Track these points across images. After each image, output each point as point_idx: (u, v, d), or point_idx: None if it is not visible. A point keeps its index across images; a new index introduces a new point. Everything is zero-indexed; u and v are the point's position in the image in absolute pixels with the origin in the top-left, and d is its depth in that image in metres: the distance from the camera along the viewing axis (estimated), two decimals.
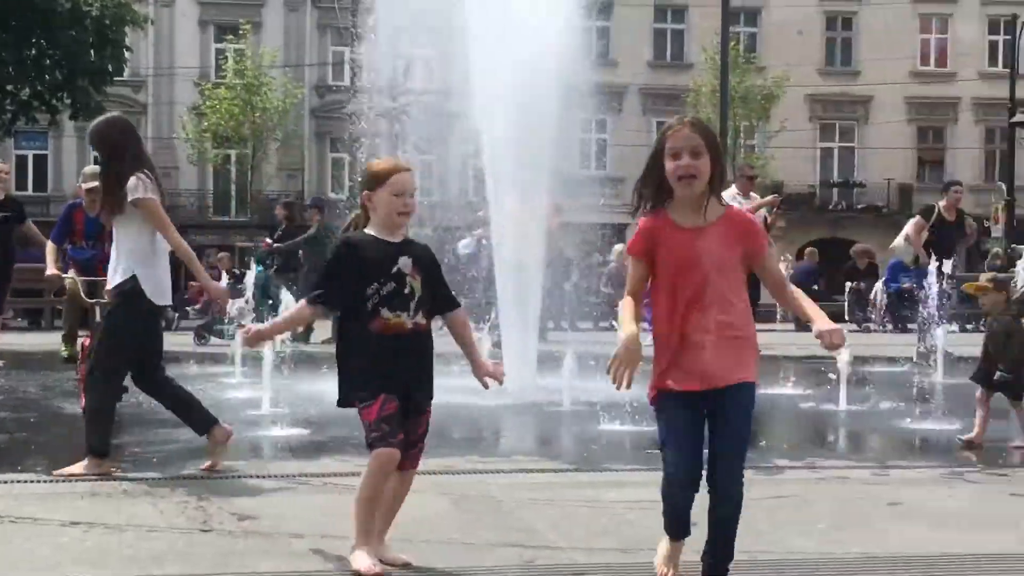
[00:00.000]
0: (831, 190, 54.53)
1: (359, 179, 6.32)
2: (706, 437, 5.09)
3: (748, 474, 8.36)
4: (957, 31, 54.43)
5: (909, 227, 18.23)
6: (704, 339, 4.98)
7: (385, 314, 5.57)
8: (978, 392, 9.71)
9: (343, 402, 5.77)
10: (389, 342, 5.58)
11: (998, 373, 9.47)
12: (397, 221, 5.68)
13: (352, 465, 8.57)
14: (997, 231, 42.15)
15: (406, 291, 5.60)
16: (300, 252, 21.43)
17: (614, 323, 5.52)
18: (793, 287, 5.30)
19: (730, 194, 19.05)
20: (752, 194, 17.77)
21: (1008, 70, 45.85)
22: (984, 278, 9.99)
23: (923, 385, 13.34)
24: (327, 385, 12.91)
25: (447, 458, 8.80)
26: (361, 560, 5.42)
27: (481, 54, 13.78)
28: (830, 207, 53.85)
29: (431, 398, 5.81)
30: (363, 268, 5.59)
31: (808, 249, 35.38)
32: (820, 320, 5.03)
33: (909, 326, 25.14)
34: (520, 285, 13.64)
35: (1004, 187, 43.19)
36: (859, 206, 53.56)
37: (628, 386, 4.88)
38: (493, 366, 5.94)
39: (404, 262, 5.62)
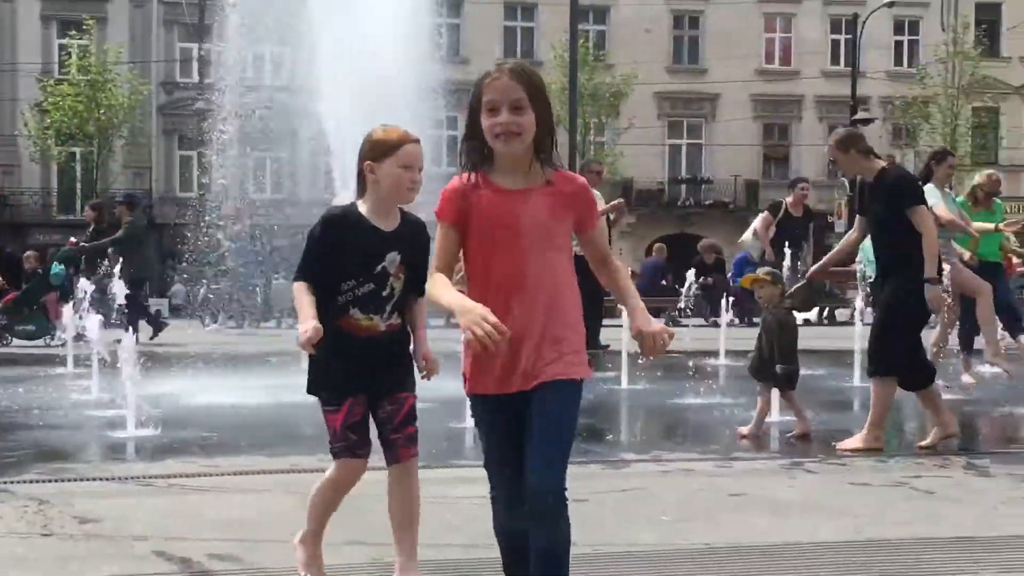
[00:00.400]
0: (679, 186, 55.19)
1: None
2: None
3: (594, 468, 8.46)
4: (800, 30, 55.44)
5: (757, 222, 18.69)
6: (524, 335, 4.12)
7: (356, 315, 5.04)
8: (759, 385, 10.12)
9: (310, 391, 5.20)
10: (359, 343, 5.04)
11: (778, 366, 9.80)
12: (405, 197, 5.09)
13: (197, 466, 8.50)
14: (840, 226, 43.05)
15: (384, 293, 5.06)
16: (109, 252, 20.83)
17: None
18: (620, 266, 4.49)
19: None
20: (595, 192, 18.00)
21: (850, 68, 46.97)
22: (760, 272, 10.34)
23: None
24: (172, 385, 12.89)
25: (294, 456, 8.78)
26: (299, 554, 5.32)
27: (329, 52, 13.70)
28: (678, 203, 54.49)
29: (412, 386, 5.27)
30: (343, 259, 5.02)
31: (656, 245, 35.84)
32: (641, 317, 4.21)
33: (755, 320, 25.62)
34: None
35: (847, 183, 43.87)
36: (707, 202, 54.34)
37: (501, 334, 3.88)
38: (431, 361, 5.24)
39: (391, 259, 5.05)
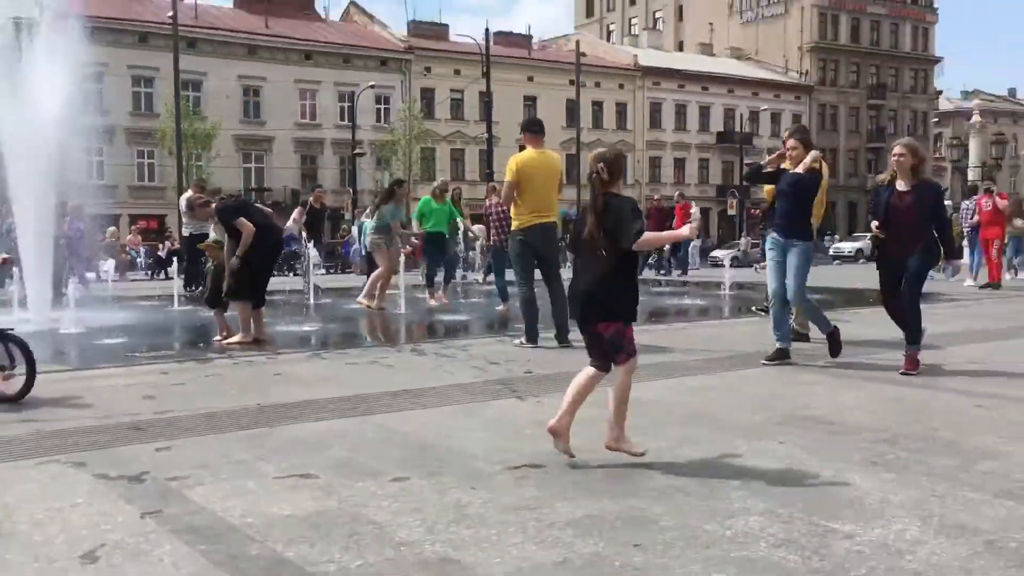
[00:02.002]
0: (251, 193, 53.36)
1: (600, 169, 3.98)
2: None
3: (189, 364, 8.04)
4: (321, 99, 54.70)
5: (296, 213, 18.57)
6: None
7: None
8: (214, 312, 9.75)
9: (611, 316, 4.30)
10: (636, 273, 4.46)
11: (224, 294, 9.54)
12: None
13: None
14: (348, 216, 43.31)
15: None
16: None
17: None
18: None
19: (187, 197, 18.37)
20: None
21: (351, 123, 47.05)
22: (209, 240, 10.09)
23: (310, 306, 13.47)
24: None
25: None
26: (616, 432, 4.37)
27: (12, 99, 12.21)
28: (252, 203, 52.61)
29: None
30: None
31: None
32: None
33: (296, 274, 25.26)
34: (39, 253, 12.34)
35: (351, 189, 44.45)
36: (268, 202, 52.76)
37: None
38: None
39: None
